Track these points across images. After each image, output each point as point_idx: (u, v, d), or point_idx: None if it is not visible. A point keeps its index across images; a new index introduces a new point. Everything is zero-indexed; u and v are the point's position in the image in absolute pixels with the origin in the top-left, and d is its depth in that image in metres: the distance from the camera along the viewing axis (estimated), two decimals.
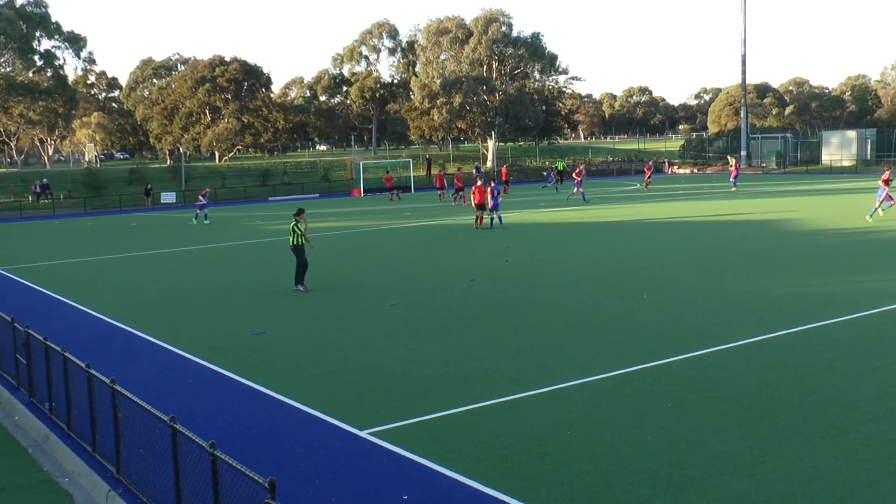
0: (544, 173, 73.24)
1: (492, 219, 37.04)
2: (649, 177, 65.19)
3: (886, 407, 11.47)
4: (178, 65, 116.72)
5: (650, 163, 73.95)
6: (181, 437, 8.42)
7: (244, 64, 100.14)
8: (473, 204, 37.56)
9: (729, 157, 65.71)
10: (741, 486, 9.14)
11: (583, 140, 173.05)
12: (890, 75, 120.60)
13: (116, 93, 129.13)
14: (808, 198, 48.67)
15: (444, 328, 17.59)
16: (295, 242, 22.61)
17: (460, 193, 53.36)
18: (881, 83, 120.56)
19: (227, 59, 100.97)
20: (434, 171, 75.56)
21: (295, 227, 22.59)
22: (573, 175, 53.14)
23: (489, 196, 36.96)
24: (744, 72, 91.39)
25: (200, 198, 49.90)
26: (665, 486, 9.21)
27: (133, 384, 12.13)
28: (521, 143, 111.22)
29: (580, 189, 50.60)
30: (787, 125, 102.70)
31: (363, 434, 11.29)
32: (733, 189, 56.44)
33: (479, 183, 38.03)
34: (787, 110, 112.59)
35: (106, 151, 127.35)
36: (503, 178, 66.39)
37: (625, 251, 28.42)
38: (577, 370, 13.84)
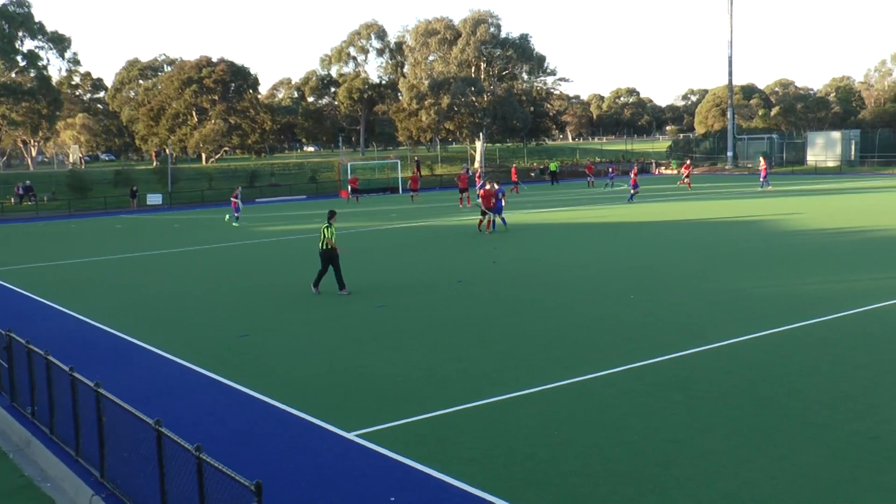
0: (587, 173, 72.34)
1: (494, 221, 36.10)
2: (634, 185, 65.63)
3: (869, 405, 11.54)
4: (165, 66, 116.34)
5: (635, 167, 74.40)
6: (166, 441, 8.38)
7: (231, 65, 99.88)
8: (483, 206, 36.17)
9: (761, 158, 65.97)
10: (726, 485, 9.17)
11: (571, 141, 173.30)
12: (873, 77, 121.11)
13: (102, 94, 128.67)
14: (794, 198, 48.85)
15: (430, 330, 17.59)
16: (324, 247, 21.74)
17: (465, 194, 52.80)
18: (865, 85, 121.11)
19: (214, 59, 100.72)
20: (408, 173, 74.97)
21: (325, 230, 21.69)
22: (630, 175, 53.23)
23: (494, 198, 35.99)
24: (730, 73, 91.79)
25: (233, 199, 48.48)
26: (651, 486, 9.24)
27: (117, 387, 12.07)
28: (510, 144, 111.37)
29: (635, 190, 50.81)
30: (772, 126, 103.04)
31: (349, 436, 11.28)
32: (768, 188, 56.13)
33: (487, 186, 36.80)
34: (773, 111, 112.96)
35: (91, 153, 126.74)
36: (513, 178, 66.39)
37: (611, 252, 28.49)
38: (563, 371, 13.86)
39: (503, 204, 36.95)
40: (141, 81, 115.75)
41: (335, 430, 11.54)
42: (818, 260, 24.82)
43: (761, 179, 57.49)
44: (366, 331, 17.72)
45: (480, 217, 36.42)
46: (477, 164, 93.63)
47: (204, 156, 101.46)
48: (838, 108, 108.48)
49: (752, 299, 19.19)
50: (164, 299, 23.18)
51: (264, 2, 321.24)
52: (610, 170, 70.45)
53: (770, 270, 23.19)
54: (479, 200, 36.92)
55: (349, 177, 69.40)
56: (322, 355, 15.80)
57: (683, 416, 11.42)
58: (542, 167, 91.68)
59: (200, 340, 17.56)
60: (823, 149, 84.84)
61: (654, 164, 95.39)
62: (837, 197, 48.64)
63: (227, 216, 48.52)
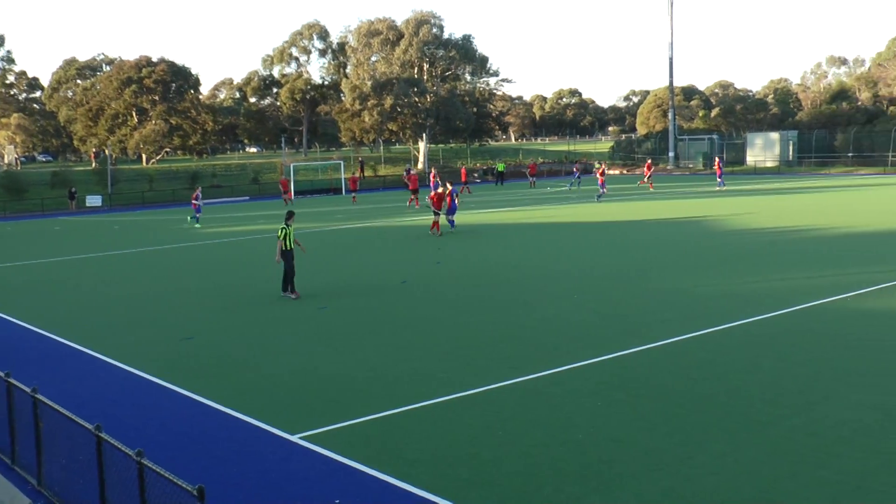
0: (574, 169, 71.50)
1: (452, 222, 36.06)
2: (579, 176, 66.59)
3: (808, 401, 11.75)
4: (104, 65, 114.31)
5: (577, 164, 75.13)
6: (106, 446, 8.22)
7: (172, 65, 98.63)
8: (434, 209, 35.94)
9: (716, 159, 66.84)
10: (669, 481, 9.27)
11: (514, 141, 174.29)
12: (810, 79, 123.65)
13: (38, 93, 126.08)
14: (735, 199, 49.62)
15: (375, 331, 17.52)
16: (287, 247, 21.55)
17: (416, 195, 52.51)
18: (802, 87, 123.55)
19: (155, 59, 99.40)
20: (347, 175, 74.03)
21: (286, 231, 21.56)
22: (597, 175, 53.53)
23: (447, 199, 35.80)
24: (671, 75, 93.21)
25: (194, 201, 47.35)
26: (595, 484, 9.30)
27: (56, 393, 11.83)
28: (453, 145, 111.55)
29: (603, 189, 51.39)
30: (713, 127, 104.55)
31: (294, 438, 11.18)
32: (723, 188, 56.88)
33: (440, 189, 36.58)
34: (713, 112, 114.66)
35: (27, 153, 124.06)
36: (462, 179, 66.44)
37: (555, 252, 28.66)
38: (508, 371, 13.90)
39: (457, 204, 36.96)
40: (79, 81, 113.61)
41: (280, 433, 11.43)
42: (758, 259, 25.23)
43: (718, 179, 58.55)
44: (310, 332, 17.60)
45: (435, 219, 36.19)
46: (420, 165, 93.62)
47: (145, 157, 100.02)
48: (776, 109, 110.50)
49: (693, 298, 19.45)
50: (105, 303, 22.77)
51: (205, 1, 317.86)
52: (574, 169, 70.87)
53: (712, 269, 23.52)
54: (428, 200, 36.73)
55: (282, 178, 68.79)
56: (266, 357, 15.65)
57: (627, 415, 11.52)
58: (486, 168, 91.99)
59: (142, 344, 17.28)
60: (762, 149, 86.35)
61: (598, 164, 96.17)
62: (776, 197, 49.51)
63: (189, 217, 47.77)
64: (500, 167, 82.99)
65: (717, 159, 66.73)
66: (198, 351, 16.43)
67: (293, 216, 22.13)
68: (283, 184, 65.57)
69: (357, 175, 70.14)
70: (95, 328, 19.16)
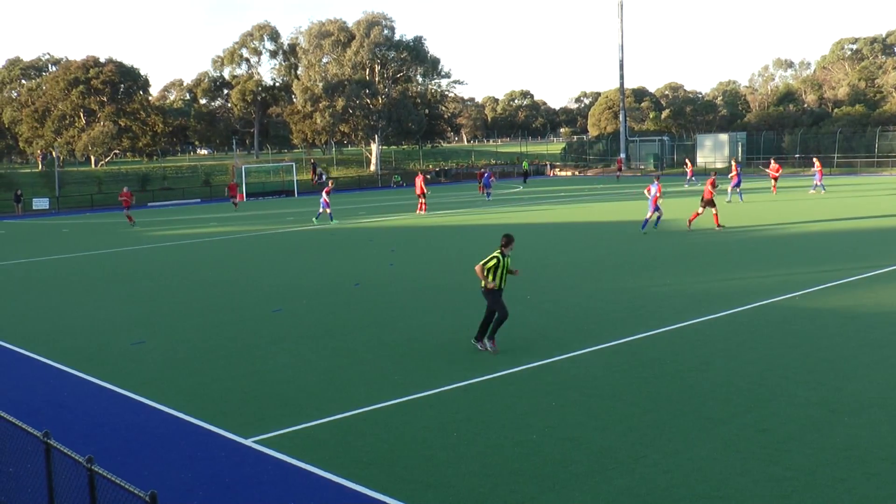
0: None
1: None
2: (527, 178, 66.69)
3: (758, 398, 11.92)
4: (49, 65, 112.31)
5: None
6: (55, 453, 8.08)
7: (120, 65, 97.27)
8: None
9: (733, 162, 58.22)
10: (623, 480, 9.35)
11: (466, 143, 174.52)
12: (757, 81, 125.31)
13: None
14: (684, 199, 50.15)
15: (328, 333, 17.45)
16: (500, 285, 15.30)
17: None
18: (750, 89, 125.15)
19: (102, 60, 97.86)
20: (231, 181, 70.49)
21: (501, 260, 15.37)
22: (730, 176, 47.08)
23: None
24: (622, 77, 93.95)
25: (324, 195, 43.93)
26: (550, 484, 9.35)
27: (3, 399, 11.63)
28: (405, 147, 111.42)
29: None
30: (663, 129, 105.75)
31: (247, 442, 11.09)
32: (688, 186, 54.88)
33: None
34: (664, 114, 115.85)
35: None
36: (418, 192, 60.08)
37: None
38: (461, 372, 13.91)
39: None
40: (24, 81, 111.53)
41: (232, 436, 11.33)
42: (707, 259, 25.54)
43: (736, 188, 46.84)
44: (262, 335, 17.47)
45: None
46: (373, 167, 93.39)
47: (93, 159, 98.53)
48: (725, 111, 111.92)
49: (645, 298, 19.63)
50: (51, 306, 22.39)
51: (154, 1, 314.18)
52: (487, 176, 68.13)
53: (662, 270, 23.76)
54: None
55: (231, 181, 66.96)
56: (219, 361, 15.51)
57: (581, 415, 11.60)
58: (438, 170, 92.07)
59: (91, 348, 17.02)
60: (712, 150, 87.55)
61: (548, 167, 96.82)
62: (723, 197, 50.09)
63: (316, 218, 44.48)
64: (525, 165, 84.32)
65: (687, 161, 68.80)
66: (148, 355, 16.22)
67: (512, 241, 15.80)
68: (232, 187, 64.14)
69: (233, 182, 66.52)
70: (43, 333, 18.80)
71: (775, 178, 51.61)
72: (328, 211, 43.00)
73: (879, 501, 8.64)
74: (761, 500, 8.75)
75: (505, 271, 15.37)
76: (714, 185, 33.60)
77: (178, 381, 14.35)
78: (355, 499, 9.25)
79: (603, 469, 9.70)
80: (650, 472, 9.55)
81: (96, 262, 32.12)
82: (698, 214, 33.13)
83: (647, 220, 32.56)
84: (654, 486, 9.17)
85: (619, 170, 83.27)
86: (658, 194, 32.20)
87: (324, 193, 43.67)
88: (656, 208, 32.22)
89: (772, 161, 53.68)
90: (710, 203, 32.98)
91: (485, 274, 15.20)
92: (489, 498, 9.08)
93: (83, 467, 7.42)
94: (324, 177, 75.79)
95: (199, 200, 73.31)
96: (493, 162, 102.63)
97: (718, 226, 32.74)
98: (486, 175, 57.93)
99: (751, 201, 45.71)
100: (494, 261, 15.31)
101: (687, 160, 70.06)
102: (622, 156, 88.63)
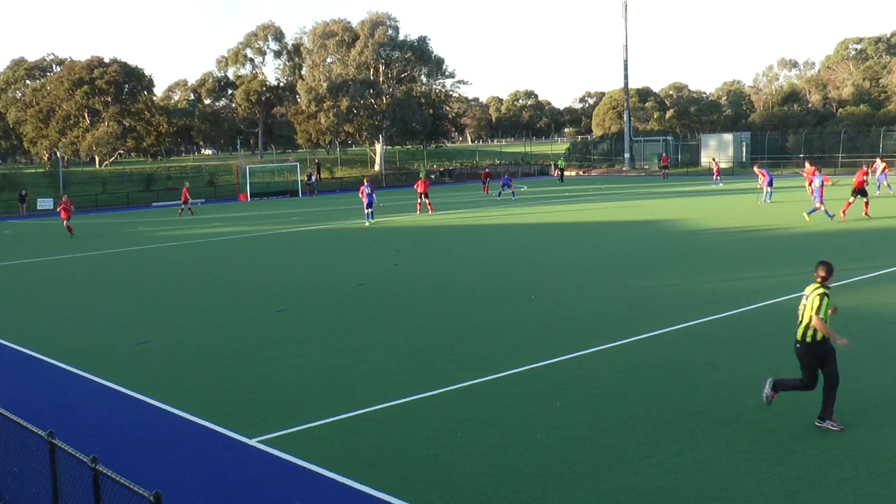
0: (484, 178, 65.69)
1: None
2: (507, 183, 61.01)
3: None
4: (54, 66, 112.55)
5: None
6: (60, 453, 8.09)
7: (124, 65, 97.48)
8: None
9: (755, 168, 51.28)
10: (628, 480, 9.33)
11: (470, 143, 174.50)
12: (762, 81, 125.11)
13: None
14: (689, 199, 50.17)
15: (332, 333, 17.44)
16: (816, 337, 10.71)
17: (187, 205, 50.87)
18: (754, 89, 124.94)
19: (107, 60, 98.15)
20: (184, 185, 61.51)
21: (824, 298, 10.70)
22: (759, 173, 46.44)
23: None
24: (626, 76, 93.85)
25: (363, 188, 42.86)
26: (555, 484, 9.33)
27: (7, 399, 11.64)
28: (409, 147, 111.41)
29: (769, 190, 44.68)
30: (667, 128, 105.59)
31: (252, 442, 11.10)
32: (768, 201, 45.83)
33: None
34: (668, 114, 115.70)
35: None
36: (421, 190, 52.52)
37: (512, 253, 28.74)
38: (466, 372, 13.91)
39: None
40: (28, 82, 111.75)
41: (237, 436, 11.34)
42: (712, 259, 25.50)
43: (768, 189, 45.06)
44: (267, 335, 17.48)
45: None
46: (377, 167, 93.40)
47: (98, 159, 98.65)
48: (729, 111, 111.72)
49: (650, 298, 19.60)
50: (57, 306, 22.42)
51: (159, 2, 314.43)
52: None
53: (667, 270, 23.73)
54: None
55: (184, 185, 60.05)
56: (223, 361, 15.51)
57: (585, 415, 11.58)
58: (443, 170, 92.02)
59: (96, 348, 17.04)
60: (716, 150, 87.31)
61: (552, 167, 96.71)
62: (730, 197, 50.07)
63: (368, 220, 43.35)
64: (561, 164, 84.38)
65: (713, 161, 67.95)
66: (153, 355, 16.24)
67: (832, 271, 11.11)
68: (184, 192, 57.25)
69: (185, 187, 58.91)
70: (49, 333, 18.85)
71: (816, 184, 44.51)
72: (369, 210, 42.46)
73: (885, 501, 8.62)
74: (766, 500, 8.73)
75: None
76: (865, 175, 35.05)
77: (182, 381, 14.36)
78: (360, 499, 9.25)
79: (608, 469, 9.68)
80: (655, 472, 9.53)
81: (100, 262, 32.15)
82: (850, 204, 34.27)
83: (815, 209, 33.80)
84: (659, 486, 9.15)
85: (665, 166, 79.80)
86: (823, 184, 33.85)
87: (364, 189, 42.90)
88: (821, 198, 33.70)
89: (806, 163, 45.75)
90: (861, 192, 34.34)
91: (827, 324, 10.67)
92: (494, 498, 9.07)
93: (87, 467, 7.43)
94: (312, 178, 75.69)
95: (203, 200, 73.31)
96: (498, 162, 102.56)
97: (866, 215, 34.08)
98: (505, 178, 58.15)
99: (755, 201, 45.58)
100: (827, 299, 10.73)
101: (713, 160, 69.37)
102: (663, 154, 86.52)
